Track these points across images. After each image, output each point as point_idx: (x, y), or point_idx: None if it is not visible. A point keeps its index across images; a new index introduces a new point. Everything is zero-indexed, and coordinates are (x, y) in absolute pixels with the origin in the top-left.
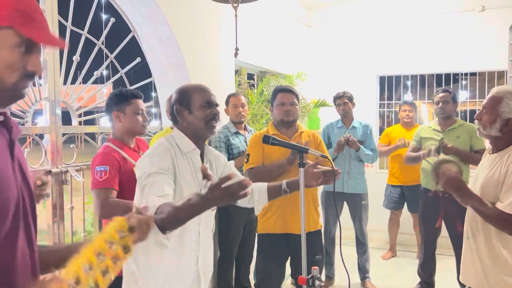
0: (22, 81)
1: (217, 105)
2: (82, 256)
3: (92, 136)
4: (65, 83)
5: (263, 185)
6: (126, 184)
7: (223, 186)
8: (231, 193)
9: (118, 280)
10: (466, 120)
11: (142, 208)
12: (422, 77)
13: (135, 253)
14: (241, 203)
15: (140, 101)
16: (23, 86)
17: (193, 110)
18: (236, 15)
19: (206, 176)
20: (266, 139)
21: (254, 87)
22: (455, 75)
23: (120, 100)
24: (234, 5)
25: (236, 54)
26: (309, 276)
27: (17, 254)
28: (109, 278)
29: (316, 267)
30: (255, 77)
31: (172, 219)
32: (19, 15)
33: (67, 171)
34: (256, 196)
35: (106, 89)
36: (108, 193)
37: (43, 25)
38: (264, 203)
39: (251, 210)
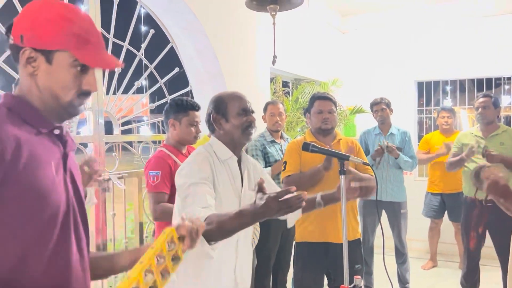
0: (78, 99)
1: (253, 112)
2: (130, 276)
3: (129, 144)
4: (107, 93)
5: None
6: None
7: (280, 199)
8: (289, 206)
9: None
10: (510, 126)
11: (191, 217)
12: (462, 82)
13: None
14: None
15: (197, 113)
16: (78, 104)
17: (229, 118)
18: (274, 23)
19: (261, 189)
20: (305, 146)
21: (289, 95)
22: (497, 79)
23: (178, 109)
24: (272, 13)
25: (274, 62)
26: (352, 285)
27: (70, 263)
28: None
29: (359, 276)
30: (290, 84)
31: (222, 230)
32: (74, 38)
33: (109, 179)
34: None
35: (144, 100)
36: (160, 197)
37: (98, 48)
38: (298, 216)
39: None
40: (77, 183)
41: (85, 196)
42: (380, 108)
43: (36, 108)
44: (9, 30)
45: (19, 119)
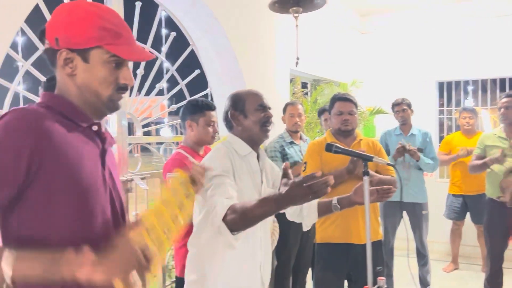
0: (116, 94)
1: (269, 108)
2: (153, 207)
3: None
4: (129, 95)
5: (313, 201)
6: None
7: (306, 184)
8: (314, 191)
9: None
10: None
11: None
12: (484, 82)
13: (196, 261)
14: (289, 217)
15: (213, 113)
16: (117, 98)
17: (248, 114)
18: (297, 25)
19: (286, 175)
20: (328, 147)
21: (308, 96)
22: None
23: (195, 110)
24: (295, 15)
25: (297, 63)
26: (375, 286)
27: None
28: (179, 223)
29: (383, 278)
30: (309, 85)
31: (245, 218)
32: (107, 34)
33: (132, 180)
34: (305, 212)
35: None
36: None
37: (129, 41)
38: (314, 220)
39: None
40: (114, 179)
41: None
42: (402, 108)
43: (75, 104)
44: (42, 35)
45: (58, 115)
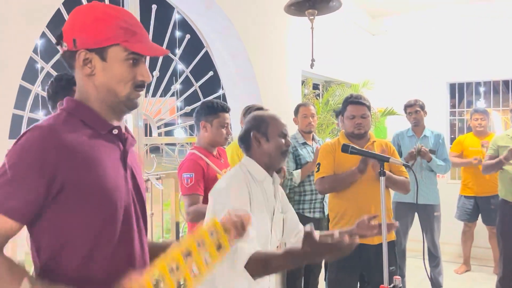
0: (134, 91)
1: (288, 136)
2: (168, 256)
3: (158, 146)
4: (145, 96)
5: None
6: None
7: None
8: (341, 253)
9: None
10: None
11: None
12: (495, 83)
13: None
14: (290, 245)
15: (227, 115)
16: (135, 96)
17: (270, 139)
18: (312, 28)
19: (310, 237)
20: (345, 148)
21: (319, 97)
22: None
23: (209, 111)
24: (311, 17)
25: (312, 65)
26: (391, 285)
27: (134, 255)
28: (200, 275)
29: (399, 277)
30: (320, 87)
31: (268, 269)
32: (122, 32)
33: (148, 180)
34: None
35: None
36: (195, 199)
37: (144, 37)
38: None
39: (320, 220)
40: (137, 178)
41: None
42: (414, 110)
43: (95, 111)
44: (59, 39)
45: (79, 122)
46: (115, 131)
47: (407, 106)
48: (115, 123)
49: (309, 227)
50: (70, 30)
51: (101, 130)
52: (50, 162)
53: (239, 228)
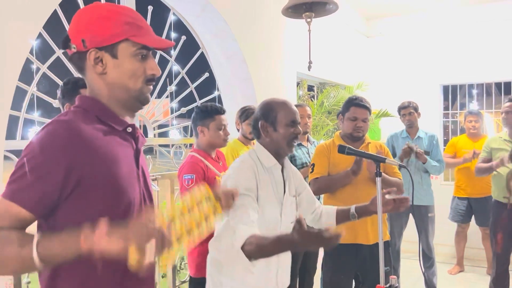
0: (146, 86)
1: (299, 122)
2: (175, 206)
3: (152, 148)
4: None
5: (332, 209)
6: None
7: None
8: (327, 244)
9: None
10: None
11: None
12: (488, 85)
13: (215, 264)
14: (309, 223)
15: (223, 116)
16: (147, 91)
17: (278, 128)
18: (309, 30)
19: (300, 224)
20: (341, 149)
21: (314, 99)
22: None
23: (205, 115)
24: (308, 20)
25: (309, 68)
26: (388, 285)
27: None
28: (202, 230)
29: (395, 276)
30: (315, 88)
31: (261, 253)
32: (129, 27)
33: None
34: (324, 219)
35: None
36: None
37: (150, 31)
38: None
39: None
40: (146, 177)
41: None
42: (408, 112)
43: (110, 108)
44: (67, 42)
45: (95, 119)
46: (129, 129)
47: (401, 108)
48: (129, 121)
49: (299, 215)
50: (77, 31)
51: (117, 126)
52: (68, 156)
53: (228, 198)
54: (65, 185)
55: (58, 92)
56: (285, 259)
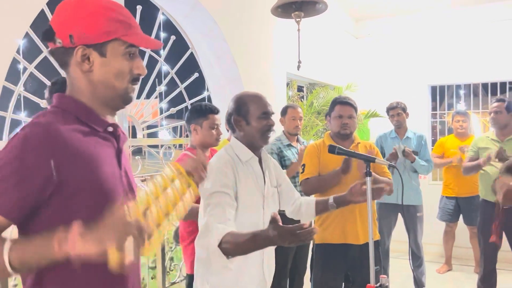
0: (130, 85)
1: (273, 113)
2: (148, 190)
3: (141, 149)
4: None
5: (311, 200)
6: None
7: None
8: (301, 240)
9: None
10: None
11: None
12: (475, 86)
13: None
14: (289, 214)
15: (217, 116)
16: (131, 90)
17: (250, 121)
18: (299, 30)
19: (275, 221)
20: (332, 149)
21: (303, 99)
22: (511, 83)
23: (198, 114)
24: (297, 20)
25: (299, 67)
26: (378, 284)
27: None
28: (179, 210)
29: (385, 276)
30: (305, 89)
31: (237, 250)
32: (120, 25)
33: None
34: (303, 209)
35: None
36: None
37: (139, 30)
38: (312, 218)
39: None
40: (130, 178)
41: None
42: (397, 112)
43: (90, 107)
44: (50, 35)
45: (74, 119)
46: (110, 129)
47: (389, 108)
48: (109, 120)
49: (274, 212)
50: (64, 25)
51: (97, 126)
52: (48, 160)
53: (199, 170)
54: (44, 189)
55: (46, 92)
56: (270, 257)
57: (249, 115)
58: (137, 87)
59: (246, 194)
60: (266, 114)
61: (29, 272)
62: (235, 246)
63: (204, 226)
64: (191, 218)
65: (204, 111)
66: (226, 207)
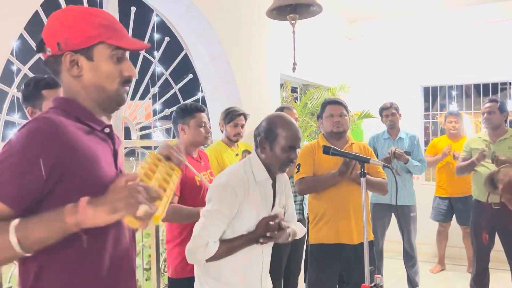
0: (122, 87)
1: (299, 147)
2: (137, 171)
3: (134, 150)
4: None
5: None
6: (188, 191)
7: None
8: (271, 231)
9: None
10: None
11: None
12: (467, 87)
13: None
14: None
15: (203, 114)
16: (123, 92)
17: (274, 148)
18: (294, 32)
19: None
20: (326, 150)
21: (297, 100)
22: (502, 84)
23: (184, 114)
24: (292, 22)
25: (294, 69)
26: (372, 284)
27: (124, 252)
28: (171, 186)
29: (379, 275)
30: (299, 90)
31: (226, 254)
32: (104, 29)
33: None
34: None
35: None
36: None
37: (125, 33)
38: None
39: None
40: None
41: None
42: (390, 113)
43: (88, 109)
44: (41, 46)
45: (74, 119)
46: (107, 130)
47: (382, 109)
48: (106, 122)
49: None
50: (52, 34)
51: (96, 126)
52: (51, 152)
53: (176, 155)
54: (47, 180)
55: (20, 96)
56: (267, 261)
57: (276, 142)
58: (130, 88)
59: (252, 210)
60: (292, 148)
61: (38, 251)
62: (225, 252)
63: (198, 236)
64: (176, 220)
65: (190, 110)
66: (219, 231)
